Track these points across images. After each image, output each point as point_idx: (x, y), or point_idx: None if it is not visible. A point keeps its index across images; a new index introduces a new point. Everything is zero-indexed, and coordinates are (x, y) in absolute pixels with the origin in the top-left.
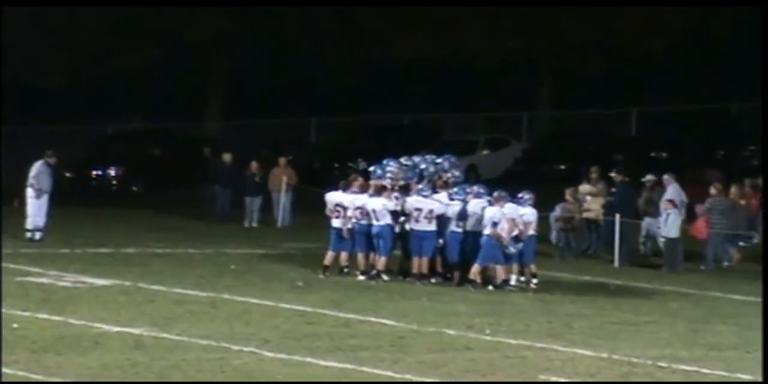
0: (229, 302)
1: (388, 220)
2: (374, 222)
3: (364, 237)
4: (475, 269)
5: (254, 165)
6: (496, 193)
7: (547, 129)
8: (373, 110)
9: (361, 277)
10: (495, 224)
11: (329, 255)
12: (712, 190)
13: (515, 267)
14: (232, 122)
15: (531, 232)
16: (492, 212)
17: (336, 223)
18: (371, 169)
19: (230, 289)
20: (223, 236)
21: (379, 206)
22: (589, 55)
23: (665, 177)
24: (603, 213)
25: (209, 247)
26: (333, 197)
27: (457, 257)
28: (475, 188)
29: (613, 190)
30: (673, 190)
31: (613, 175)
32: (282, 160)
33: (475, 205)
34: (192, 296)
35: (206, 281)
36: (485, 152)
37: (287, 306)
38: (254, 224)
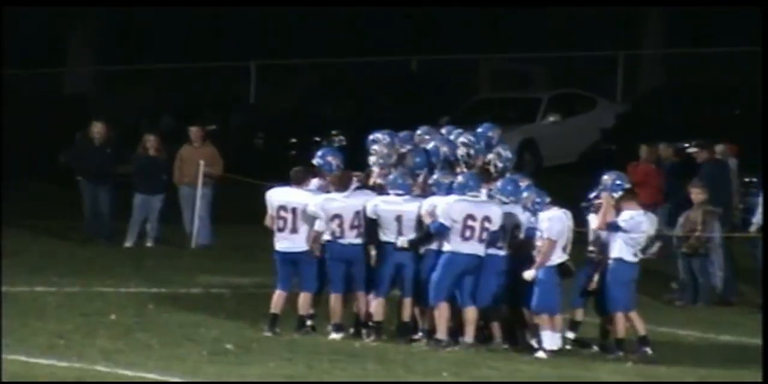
0: (107, 378)
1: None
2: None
3: (342, 266)
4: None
5: (150, 141)
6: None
7: (659, 80)
8: (359, 50)
9: (335, 336)
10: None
11: (277, 296)
12: None
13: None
14: (108, 68)
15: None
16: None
17: (281, 242)
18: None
19: (107, 356)
20: (95, 265)
21: (390, 212)
22: None
23: None
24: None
25: (70, 283)
26: (280, 196)
27: (490, 300)
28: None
29: None
30: None
31: None
32: (196, 133)
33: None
34: (41, 368)
35: (66, 343)
36: (551, 119)
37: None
38: (149, 244)
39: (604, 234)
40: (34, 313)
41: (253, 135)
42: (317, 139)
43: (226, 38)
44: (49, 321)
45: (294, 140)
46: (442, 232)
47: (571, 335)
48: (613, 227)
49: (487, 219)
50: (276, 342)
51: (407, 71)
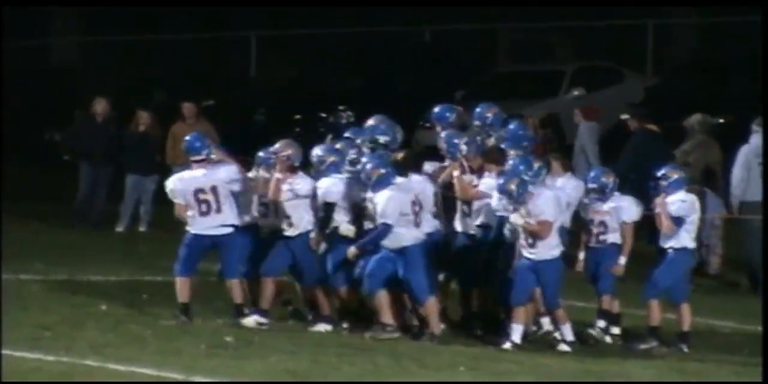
0: (96, 374)
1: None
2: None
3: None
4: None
5: (143, 118)
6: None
7: (691, 51)
8: (367, 19)
9: (322, 327)
10: None
11: (182, 283)
12: None
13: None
14: (98, 39)
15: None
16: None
17: (201, 225)
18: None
19: (97, 350)
20: (84, 251)
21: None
22: None
23: None
24: None
25: (56, 271)
26: (191, 181)
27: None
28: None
29: None
30: None
31: None
32: (190, 109)
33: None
34: (26, 362)
35: (52, 336)
36: (575, 93)
37: (207, 381)
38: (142, 228)
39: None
40: (17, 303)
41: (253, 111)
42: (323, 115)
43: (223, 7)
44: (34, 312)
45: (298, 116)
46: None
47: (616, 330)
48: (677, 222)
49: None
50: (279, 335)
51: (420, 42)
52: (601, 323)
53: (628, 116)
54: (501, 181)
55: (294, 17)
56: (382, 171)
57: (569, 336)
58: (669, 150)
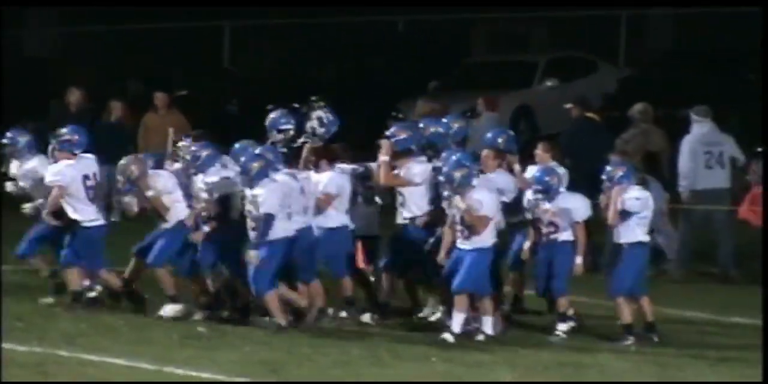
0: (69, 364)
1: None
2: None
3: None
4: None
5: (116, 108)
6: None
7: (666, 42)
8: (340, 10)
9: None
10: None
11: (77, 274)
12: None
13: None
14: (72, 29)
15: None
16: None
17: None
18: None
19: (70, 340)
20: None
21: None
22: None
23: None
24: None
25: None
26: (80, 168)
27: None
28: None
29: None
30: None
31: None
32: (162, 99)
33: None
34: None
35: (25, 326)
36: (549, 84)
37: (180, 372)
38: (114, 218)
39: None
40: None
41: (226, 101)
42: (296, 105)
43: None
44: (6, 302)
45: (271, 107)
46: None
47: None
48: (625, 216)
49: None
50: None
51: (394, 33)
52: (563, 327)
53: (571, 104)
54: (446, 168)
55: (269, 8)
56: (258, 164)
57: (488, 329)
58: (608, 138)
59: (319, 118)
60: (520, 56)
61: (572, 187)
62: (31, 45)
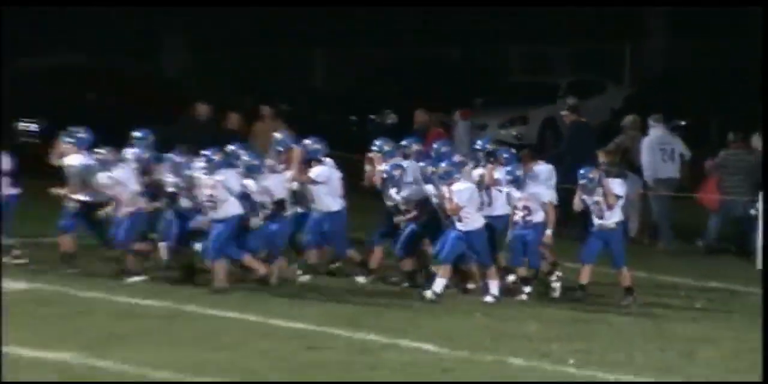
0: (196, 317)
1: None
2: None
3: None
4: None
5: (233, 118)
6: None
7: (661, 66)
8: (408, 40)
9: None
10: None
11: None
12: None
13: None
14: (198, 56)
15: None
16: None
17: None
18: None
19: (197, 297)
20: None
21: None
22: None
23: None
24: None
25: None
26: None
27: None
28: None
29: None
30: None
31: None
32: (268, 111)
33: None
34: (142, 307)
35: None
36: (569, 101)
37: (280, 323)
38: None
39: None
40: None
41: (316, 113)
42: (372, 116)
43: (295, 29)
44: (147, 268)
45: (353, 117)
46: None
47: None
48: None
49: None
50: (332, 287)
51: (450, 59)
52: (527, 289)
53: (566, 112)
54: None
55: (351, 37)
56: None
57: (495, 290)
58: (594, 136)
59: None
60: (546, 79)
61: (571, 176)
62: (169, 68)
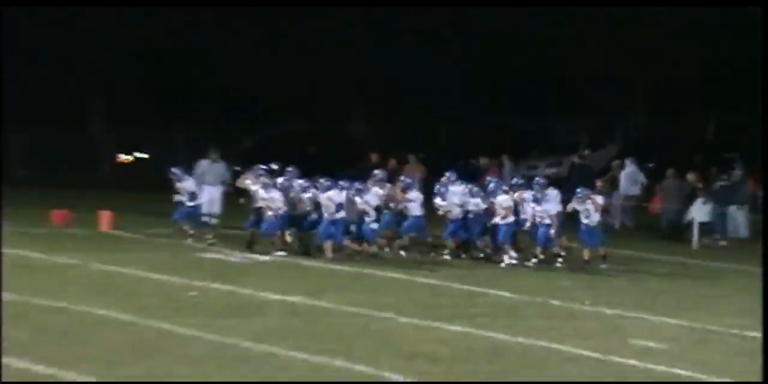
0: (371, 276)
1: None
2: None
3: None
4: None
5: (392, 162)
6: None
7: (640, 133)
8: (504, 114)
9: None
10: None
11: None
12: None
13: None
14: (373, 125)
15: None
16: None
17: None
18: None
19: (372, 265)
20: None
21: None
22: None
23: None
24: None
25: None
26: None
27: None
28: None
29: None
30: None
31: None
32: (412, 158)
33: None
34: (339, 271)
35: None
36: (586, 152)
37: (420, 280)
38: None
39: None
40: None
41: (442, 159)
42: (470, 160)
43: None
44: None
45: (460, 161)
46: None
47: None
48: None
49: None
50: (452, 261)
51: (524, 128)
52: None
53: (576, 159)
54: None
55: (465, 115)
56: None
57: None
58: (593, 173)
59: None
60: (572, 140)
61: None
62: (354, 130)
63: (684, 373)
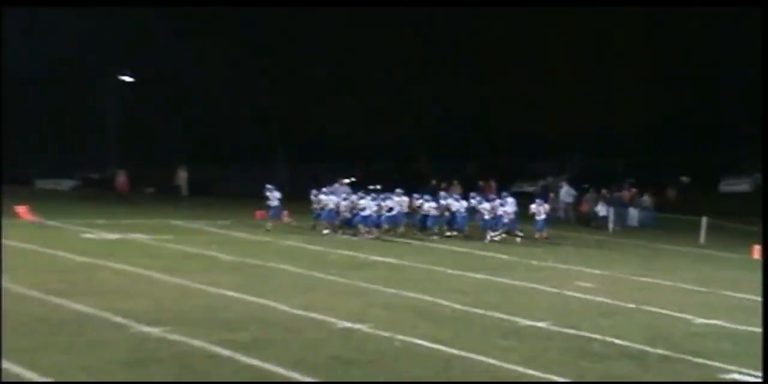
0: (434, 249)
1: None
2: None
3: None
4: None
5: (454, 185)
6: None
7: (576, 170)
8: (494, 156)
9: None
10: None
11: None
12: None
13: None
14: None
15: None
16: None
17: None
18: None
19: (435, 242)
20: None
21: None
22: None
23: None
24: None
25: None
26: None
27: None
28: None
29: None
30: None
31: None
32: (492, 186)
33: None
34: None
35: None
36: (549, 179)
37: (466, 250)
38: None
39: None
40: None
41: (475, 180)
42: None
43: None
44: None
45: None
46: None
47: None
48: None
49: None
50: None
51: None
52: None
53: (542, 181)
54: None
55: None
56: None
57: (492, 238)
58: (548, 191)
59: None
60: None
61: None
62: (423, 167)
63: (609, 302)
